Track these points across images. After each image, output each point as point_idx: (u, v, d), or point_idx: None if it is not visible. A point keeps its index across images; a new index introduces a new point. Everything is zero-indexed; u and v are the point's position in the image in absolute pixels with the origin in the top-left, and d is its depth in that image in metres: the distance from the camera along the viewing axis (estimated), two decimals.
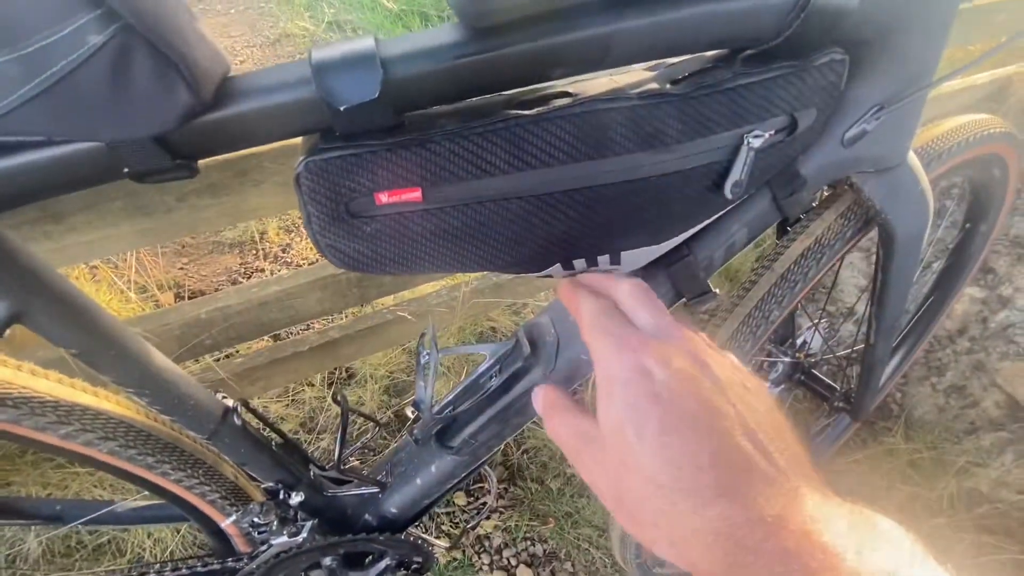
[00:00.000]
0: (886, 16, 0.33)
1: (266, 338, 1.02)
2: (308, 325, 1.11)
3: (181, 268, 1.43)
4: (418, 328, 1.02)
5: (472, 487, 1.08)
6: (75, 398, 0.41)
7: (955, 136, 0.52)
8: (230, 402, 0.47)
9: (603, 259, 0.38)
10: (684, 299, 0.44)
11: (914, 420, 1.21)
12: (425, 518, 1.02)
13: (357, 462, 0.76)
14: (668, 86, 0.33)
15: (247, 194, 0.56)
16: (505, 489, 1.08)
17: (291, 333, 1.23)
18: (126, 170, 0.27)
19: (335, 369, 1.19)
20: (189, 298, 1.33)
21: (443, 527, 1.02)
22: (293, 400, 1.15)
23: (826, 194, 0.48)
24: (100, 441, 0.42)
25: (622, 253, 0.38)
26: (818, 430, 0.90)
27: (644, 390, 0.24)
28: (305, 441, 1.09)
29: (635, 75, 0.34)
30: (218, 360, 0.97)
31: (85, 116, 0.24)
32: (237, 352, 1.04)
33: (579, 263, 0.38)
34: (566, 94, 0.32)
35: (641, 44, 0.30)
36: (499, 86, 0.30)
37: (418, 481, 0.57)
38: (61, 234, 0.52)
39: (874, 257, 0.51)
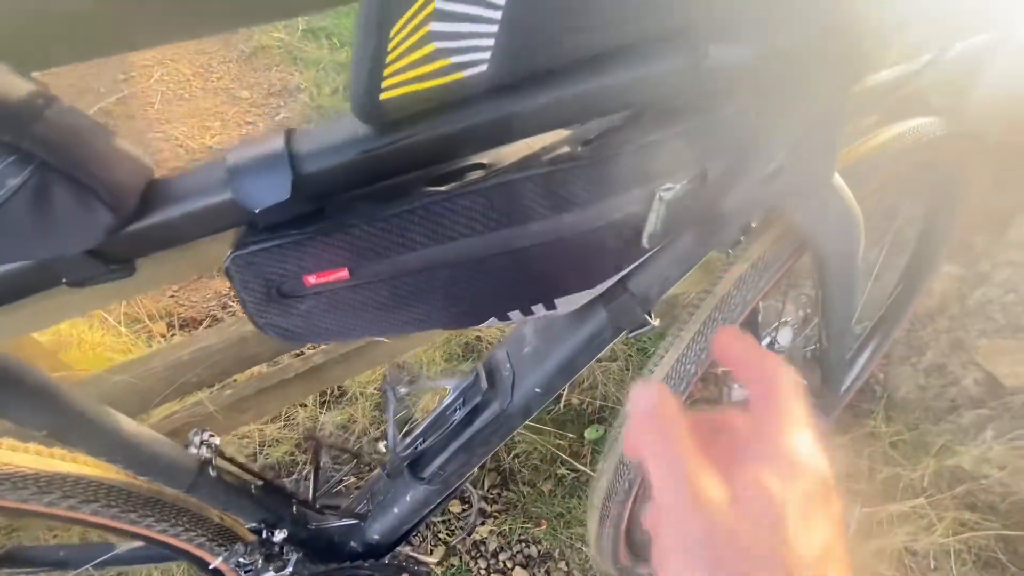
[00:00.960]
0: (782, 66, 0.34)
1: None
2: (301, 352, 1.13)
3: (171, 296, 1.45)
4: (402, 345, 1.05)
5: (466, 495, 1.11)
6: (54, 467, 0.43)
7: (893, 146, 0.53)
8: (206, 453, 0.49)
9: (537, 307, 0.40)
10: (624, 332, 0.46)
11: (896, 401, 1.23)
12: (422, 527, 1.05)
13: (345, 486, 0.79)
14: (580, 148, 0.34)
15: (208, 245, 0.58)
16: (498, 494, 1.11)
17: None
18: (64, 280, 0.29)
19: (325, 390, 1.22)
20: (181, 327, 1.35)
21: (440, 535, 1.06)
22: (287, 423, 1.18)
23: (760, 221, 0.50)
24: (82, 504, 0.45)
25: (556, 300, 0.40)
26: None
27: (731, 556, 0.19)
28: (300, 463, 1.12)
29: (550, 136, 0.35)
30: (209, 394, 0.99)
31: (15, 243, 0.26)
32: (224, 386, 1.07)
33: (514, 314, 0.39)
34: (480, 166, 0.34)
35: (543, 119, 0.31)
36: (411, 168, 0.31)
37: (395, 510, 0.59)
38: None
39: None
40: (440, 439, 0.54)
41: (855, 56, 0.36)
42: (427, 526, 1.07)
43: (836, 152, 0.42)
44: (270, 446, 1.12)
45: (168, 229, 0.29)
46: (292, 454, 1.13)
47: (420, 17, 0.24)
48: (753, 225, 0.49)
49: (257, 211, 0.28)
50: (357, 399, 1.19)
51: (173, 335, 1.33)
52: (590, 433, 1.17)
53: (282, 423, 1.17)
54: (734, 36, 0.31)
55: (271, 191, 0.28)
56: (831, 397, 0.72)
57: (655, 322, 0.45)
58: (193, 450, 0.56)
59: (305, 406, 1.19)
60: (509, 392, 0.50)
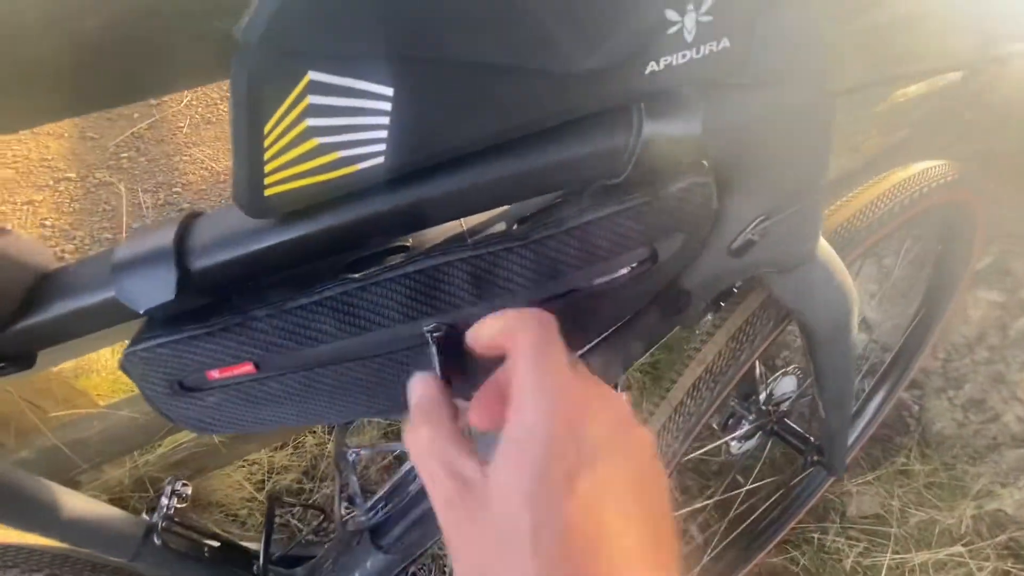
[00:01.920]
0: (738, 139, 0.30)
1: None
2: None
3: None
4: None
5: None
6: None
7: (897, 195, 0.48)
8: (152, 521, 0.48)
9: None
10: None
11: (931, 436, 1.14)
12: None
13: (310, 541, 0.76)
14: (515, 226, 0.31)
15: None
16: None
17: None
18: None
19: None
20: None
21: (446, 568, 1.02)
22: (295, 450, 1.17)
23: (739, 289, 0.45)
24: (26, 574, 0.44)
25: None
26: (795, 483, 0.86)
27: (567, 464, 0.19)
28: (307, 490, 1.10)
29: (480, 215, 0.32)
30: None
31: None
32: None
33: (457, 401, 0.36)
34: (402, 248, 0.31)
35: (462, 205, 0.28)
36: (315, 258, 0.29)
37: (356, 575, 0.57)
38: None
39: None
40: (399, 507, 0.51)
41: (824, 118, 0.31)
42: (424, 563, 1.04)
43: (819, 222, 0.37)
44: (278, 473, 1.11)
45: (57, 326, 0.28)
46: (300, 482, 1.12)
47: (294, 114, 0.22)
48: (735, 288, 0.45)
49: (142, 311, 0.26)
50: (364, 427, 1.17)
51: None
52: None
53: (291, 450, 1.16)
54: (679, 106, 0.28)
55: (156, 291, 0.26)
56: (839, 455, 0.66)
57: (623, 396, 0.41)
58: (165, 500, 0.54)
59: (315, 432, 1.18)
60: None
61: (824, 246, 0.40)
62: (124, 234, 1.54)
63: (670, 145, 0.28)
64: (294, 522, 1.00)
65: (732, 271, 0.37)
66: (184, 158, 1.81)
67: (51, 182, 1.68)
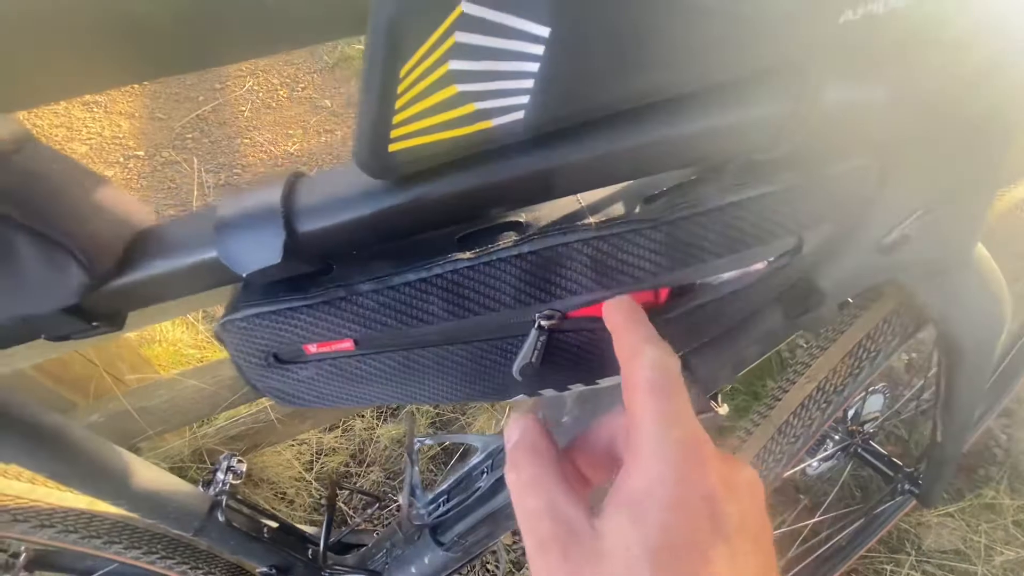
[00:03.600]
0: (922, 112, 0.25)
1: None
2: None
3: None
4: None
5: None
6: (58, 501, 0.42)
7: None
8: (218, 496, 0.47)
9: (576, 386, 0.33)
10: None
11: (1022, 470, 1.05)
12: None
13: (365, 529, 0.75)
14: (639, 206, 0.28)
15: None
16: None
17: None
18: (43, 336, 0.26)
19: None
20: None
21: (488, 565, 0.99)
22: (344, 432, 1.17)
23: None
24: (84, 540, 0.43)
25: (597, 380, 0.33)
26: (874, 506, 0.79)
27: (702, 538, 0.18)
28: (355, 474, 1.10)
29: (602, 189, 0.29)
30: (273, 404, 1.00)
31: None
32: None
33: (548, 391, 0.33)
34: (515, 224, 0.28)
35: (594, 175, 0.25)
36: (428, 228, 0.26)
37: (412, 570, 0.54)
38: None
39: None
40: (464, 504, 0.48)
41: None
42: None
43: (983, 218, 0.32)
44: (326, 455, 1.11)
45: (152, 286, 0.26)
46: (347, 464, 1.12)
47: (438, 52, 0.19)
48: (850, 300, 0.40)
49: (245, 274, 0.24)
50: (414, 414, 1.16)
51: None
52: None
53: (340, 432, 1.16)
54: (862, 70, 0.23)
55: (260, 253, 0.24)
56: (939, 487, 0.59)
57: (721, 409, 0.37)
58: (220, 475, 0.54)
59: (363, 416, 1.18)
60: None
61: (980, 249, 0.35)
62: (192, 209, 1.59)
63: (845, 115, 0.24)
64: (343, 507, 1.00)
65: (877, 269, 0.32)
66: (245, 141, 1.85)
67: (121, 159, 1.74)
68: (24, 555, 0.60)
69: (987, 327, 0.36)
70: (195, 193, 1.63)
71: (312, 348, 0.28)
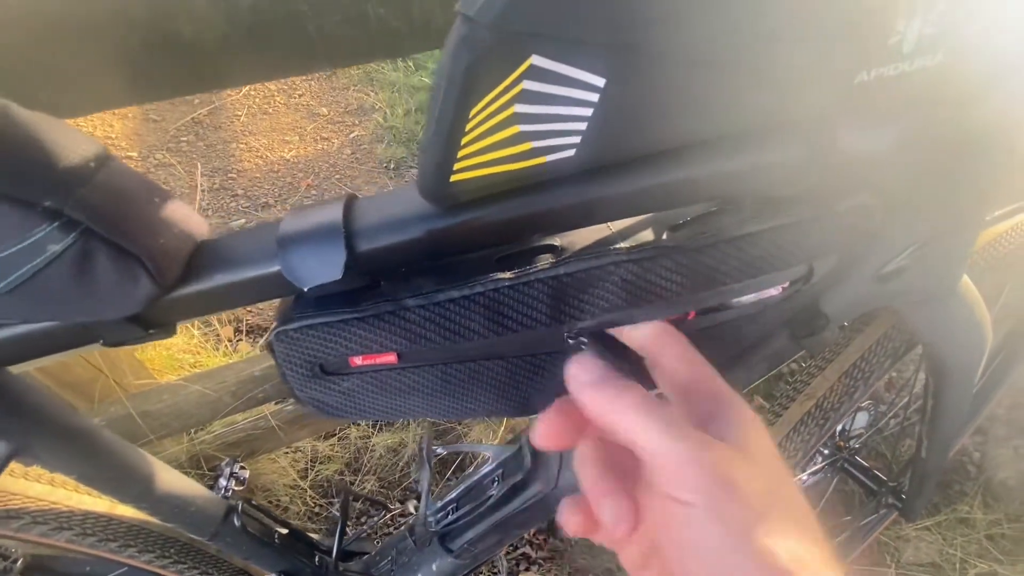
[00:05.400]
0: (929, 154, 0.28)
1: None
2: None
3: None
4: None
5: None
6: (76, 504, 0.42)
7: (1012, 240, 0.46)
8: (232, 502, 0.47)
9: None
10: None
11: (994, 486, 1.10)
12: None
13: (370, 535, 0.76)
14: (666, 233, 0.30)
15: None
16: (545, 540, 1.05)
17: None
18: (101, 342, 0.28)
19: None
20: (247, 332, 1.37)
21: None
22: (340, 440, 1.16)
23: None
24: (101, 542, 0.44)
25: None
26: (858, 520, 0.82)
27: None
28: (350, 482, 1.10)
29: (628, 219, 0.31)
30: (274, 408, 0.99)
31: (53, 307, 0.25)
32: (287, 401, 1.07)
33: None
34: (551, 248, 0.30)
35: (630, 206, 0.27)
36: (475, 248, 0.28)
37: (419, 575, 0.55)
38: None
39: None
40: (474, 512, 0.50)
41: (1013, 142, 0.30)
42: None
43: (970, 252, 0.35)
44: (321, 463, 1.11)
45: (211, 297, 0.27)
46: (342, 473, 1.11)
47: (506, 97, 0.21)
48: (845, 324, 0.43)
49: (306, 288, 0.26)
50: (408, 425, 1.17)
51: (239, 340, 1.35)
52: None
53: (335, 440, 1.16)
54: (872, 123, 0.26)
55: (322, 269, 0.26)
56: (922, 501, 0.63)
57: None
58: (223, 481, 0.54)
59: (359, 425, 1.18)
60: (555, 477, 0.45)
61: (966, 280, 0.38)
62: None
63: (855, 160, 0.27)
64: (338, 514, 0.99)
65: (875, 296, 0.35)
66: (241, 145, 1.85)
67: None
68: (21, 560, 0.59)
69: (971, 350, 0.40)
70: (187, 198, 1.62)
71: (357, 360, 0.30)
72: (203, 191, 1.64)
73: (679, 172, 0.26)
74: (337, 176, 1.79)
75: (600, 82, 0.21)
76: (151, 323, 0.28)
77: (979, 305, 0.39)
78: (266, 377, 0.81)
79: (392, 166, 1.83)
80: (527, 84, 0.21)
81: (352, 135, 1.95)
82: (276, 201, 1.67)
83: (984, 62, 0.25)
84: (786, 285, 0.31)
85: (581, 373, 0.24)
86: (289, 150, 1.87)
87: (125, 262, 0.24)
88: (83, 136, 0.24)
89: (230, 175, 1.74)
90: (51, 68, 0.33)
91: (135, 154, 1.76)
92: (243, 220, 1.59)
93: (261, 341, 1.27)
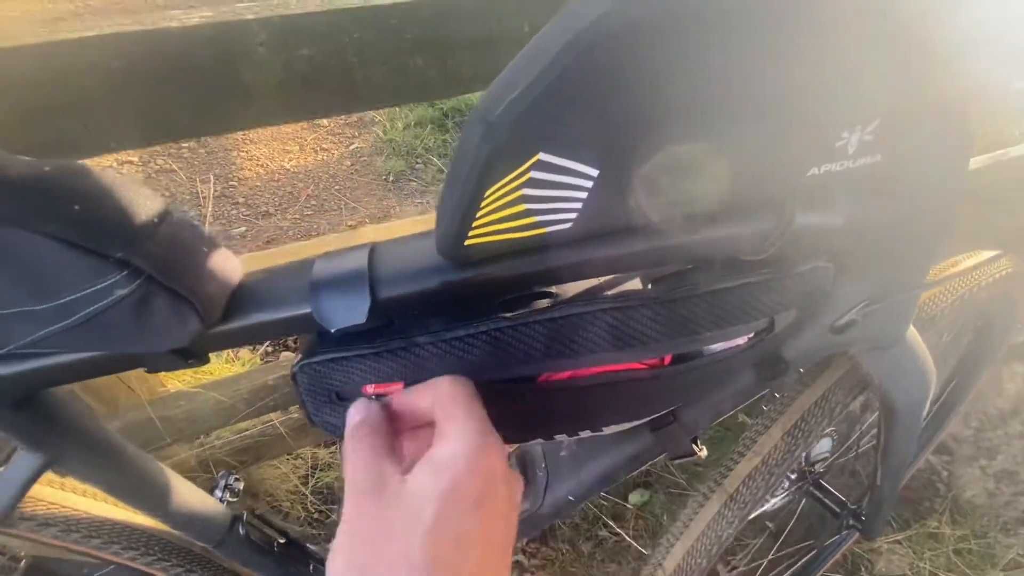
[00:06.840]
0: (873, 231, 0.33)
1: None
2: None
3: None
4: None
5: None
6: (103, 512, 0.45)
7: (957, 289, 0.50)
8: (237, 512, 0.50)
9: (584, 432, 0.39)
10: (666, 456, 0.44)
11: (962, 503, 1.15)
12: None
13: None
14: (649, 285, 0.34)
15: None
16: (537, 549, 1.07)
17: None
18: (144, 368, 0.31)
19: None
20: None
21: None
22: (340, 447, 1.18)
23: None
24: (124, 550, 0.46)
25: (603, 428, 0.39)
26: (824, 539, 0.87)
27: (480, 490, 0.25)
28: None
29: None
30: (282, 416, 1.01)
31: (109, 341, 0.28)
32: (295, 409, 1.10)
33: (560, 437, 0.39)
34: (548, 294, 0.34)
35: (618, 265, 0.31)
36: (483, 297, 0.32)
37: None
38: None
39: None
40: None
41: (951, 226, 0.35)
42: None
43: (915, 307, 0.40)
44: (322, 470, 1.13)
45: (246, 332, 0.31)
46: (341, 479, 1.13)
47: (517, 183, 0.25)
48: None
49: (333, 330, 0.30)
50: None
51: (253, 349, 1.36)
52: (634, 497, 1.12)
53: (335, 447, 1.18)
54: (824, 205, 0.31)
55: (348, 313, 0.29)
56: (880, 521, 0.67)
57: (701, 452, 0.43)
58: (219, 492, 0.57)
59: None
60: (541, 495, 0.49)
61: (912, 330, 0.43)
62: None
63: (811, 233, 0.31)
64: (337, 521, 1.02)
65: (831, 345, 0.40)
66: (242, 154, 1.88)
67: (114, 164, 1.74)
68: (24, 560, 0.61)
69: (917, 391, 0.44)
70: (187, 204, 1.64)
71: (370, 389, 0.33)
72: (205, 199, 1.66)
73: (661, 241, 0.30)
74: (337, 187, 1.82)
75: (594, 172, 0.26)
76: (190, 354, 0.31)
77: (924, 352, 0.43)
78: (278, 386, 0.85)
79: (391, 179, 1.87)
80: (534, 173, 0.25)
81: (352, 147, 1.99)
82: (276, 210, 1.70)
83: (914, 160, 0.30)
84: (751, 335, 0.35)
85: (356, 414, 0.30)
86: (289, 160, 1.90)
87: (179, 305, 0.28)
88: (149, 192, 0.27)
89: (231, 183, 1.77)
90: (127, 108, 0.37)
91: (136, 159, 1.78)
92: (243, 228, 1.62)
93: (260, 350, 1.29)
